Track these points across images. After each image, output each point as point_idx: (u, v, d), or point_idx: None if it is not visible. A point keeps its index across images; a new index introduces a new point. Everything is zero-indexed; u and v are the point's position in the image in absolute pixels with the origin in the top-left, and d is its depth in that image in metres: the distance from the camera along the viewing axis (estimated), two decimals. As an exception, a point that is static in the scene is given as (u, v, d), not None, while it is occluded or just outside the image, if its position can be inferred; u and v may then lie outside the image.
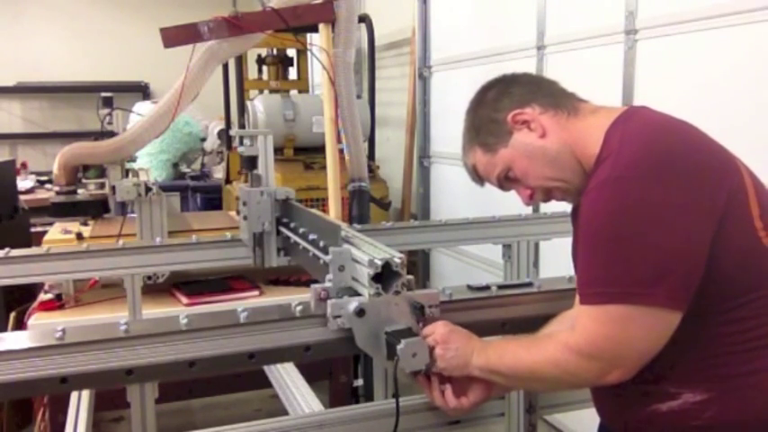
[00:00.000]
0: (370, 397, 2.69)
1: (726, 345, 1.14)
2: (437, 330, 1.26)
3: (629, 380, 1.18)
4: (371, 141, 4.43)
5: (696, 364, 1.15)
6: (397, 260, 1.22)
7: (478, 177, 1.40)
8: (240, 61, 4.59)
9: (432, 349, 1.25)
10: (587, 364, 1.12)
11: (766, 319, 1.14)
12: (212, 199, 5.08)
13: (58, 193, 2.55)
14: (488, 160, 1.34)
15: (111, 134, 2.94)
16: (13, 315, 2.77)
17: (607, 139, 1.20)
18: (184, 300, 2.58)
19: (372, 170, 4.04)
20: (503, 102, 1.32)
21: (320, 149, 3.35)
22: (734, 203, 1.13)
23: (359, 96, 3.89)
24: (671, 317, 1.10)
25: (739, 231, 1.13)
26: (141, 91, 7.98)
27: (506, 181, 1.35)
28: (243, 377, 2.59)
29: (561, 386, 1.29)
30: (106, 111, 3.15)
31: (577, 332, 1.13)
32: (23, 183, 5.45)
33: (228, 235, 1.99)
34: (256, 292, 2.70)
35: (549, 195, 1.34)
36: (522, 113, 1.30)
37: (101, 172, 2.58)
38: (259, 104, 4.18)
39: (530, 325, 1.37)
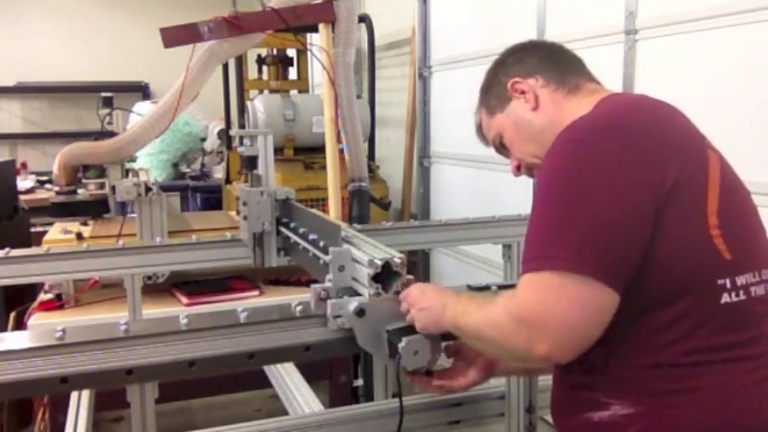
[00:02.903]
0: (370, 397, 2.68)
1: (656, 355, 1.07)
2: (411, 293, 1.24)
3: (569, 382, 1.16)
4: (371, 141, 4.43)
5: (626, 371, 1.09)
6: (397, 260, 1.22)
7: (483, 138, 1.42)
8: (240, 61, 4.59)
9: (407, 312, 1.24)
10: (518, 330, 1.04)
11: (702, 332, 1.06)
12: (212, 199, 5.08)
13: (58, 193, 2.55)
14: (487, 122, 1.38)
15: (111, 134, 2.93)
16: (13, 315, 2.77)
17: None
18: (184, 300, 2.58)
19: (372, 170, 4.04)
20: (514, 67, 1.34)
21: (320, 149, 3.35)
22: (686, 187, 1.06)
23: (359, 96, 3.88)
24: (602, 293, 1.01)
25: (686, 218, 1.06)
26: (141, 91, 7.97)
27: (501, 147, 1.38)
28: (243, 377, 2.59)
29: (501, 351, 1.19)
30: (106, 111, 3.14)
31: (514, 297, 1.06)
32: (23, 183, 5.45)
33: (228, 235, 1.99)
34: (256, 292, 2.69)
35: (530, 171, 1.34)
36: (522, 83, 1.30)
37: (101, 172, 2.58)
38: (259, 104, 4.19)
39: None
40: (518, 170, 1.37)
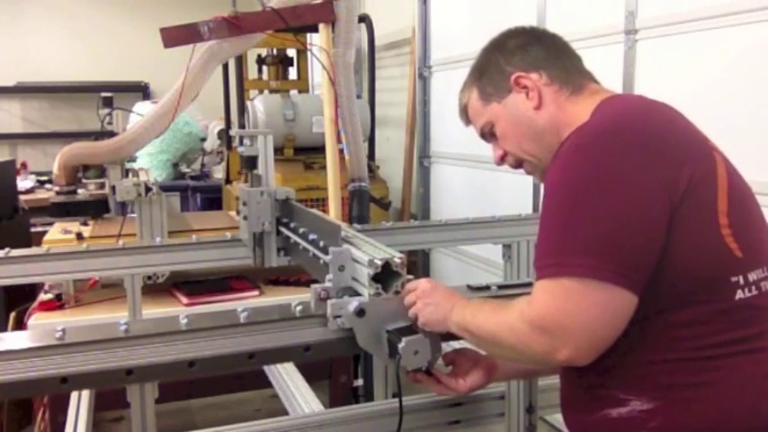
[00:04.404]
0: (370, 397, 2.69)
1: (673, 351, 1.08)
2: (419, 286, 1.24)
3: (584, 381, 1.16)
4: (371, 141, 4.43)
5: (643, 367, 1.10)
6: (397, 260, 1.22)
7: (466, 118, 1.39)
8: (240, 61, 4.58)
9: (412, 304, 1.24)
10: (538, 337, 1.06)
11: (718, 328, 1.08)
12: (212, 199, 5.07)
13: (58, 193, 2.55)
14: (479, 108, 1.34)
15: (111, 134, 2.94)
16: (13, 315, 2.77)
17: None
18: (184, 300, 2.58)
19: (372, 170, 4.04)
20: (516, 57, 1.30)
21: (320, 149, 3.35)
22: (698, 189, 1.08)
23: (359, 96, 3.88)
24: (622, 296, 1.04)
25: (699, 219, 1.08)
26: (141, 91, 7.97)
27: (489, 134, 1.35)
28: (243, 377, 2.59)
29: (518, 356, 1.21)
30: (106, 111, 3.15)
31: (532, 304, 1.07)
32: (23, 183, 5.44)
33: (228, 235, 1.99)
34: (256, 292, 2.69)
35: (519, 164, 1.34)
36: (526, 78, 1.27)
37: (101, 172, 2.59)
38: (259, 104, 4.18)
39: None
40: (502, 160, 1.35)
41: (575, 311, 1.04)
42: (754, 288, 1.10)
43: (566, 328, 1.04)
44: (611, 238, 1.04)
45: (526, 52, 1.30)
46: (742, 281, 1.10)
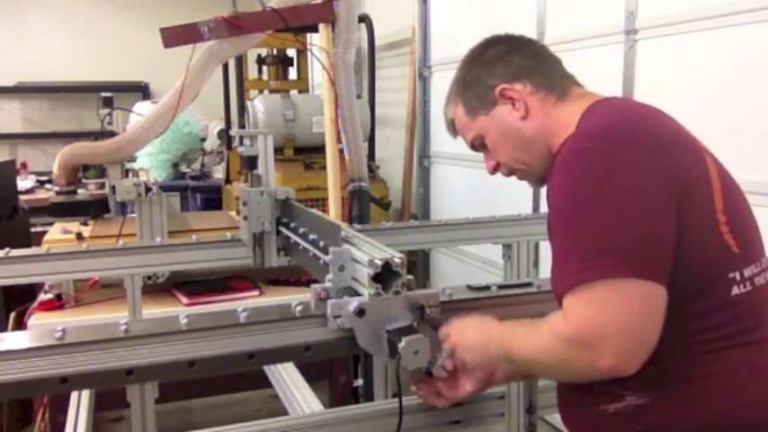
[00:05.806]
0: (370, 397, 2.68)
1: (670, 346, 1.08)
2: (451, 335, 1.25)
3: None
4: (371, 141, 4.43)
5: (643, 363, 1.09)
6: (397, 260, 1.21)
7: (454, 131, 1.41)
8: (240, 61, 4.58)
9: (453, 351, 1.25)
10: (578, 353, 1.03)
11: (714, 323, 1.09)
12: (212, 199, 5.08)
13: (58, 193, 2.55)
14: (466, 121, 1.36)
15: (111, 134, 2.94)
16: (13, 315, 2.77)
17: (578, 124, 1.20)
18: (184, 300, 2.58)
19: (372, 170, 4.04)
20: (498, 68, 1.30)
21: (320, 149, 3.35)
22: (696, 187, 1.09)
23: (359, 96, 3.88)
24: (656, 290, 1.03)
25: (700, 216, 1.10)
26: (141, 91, 7.98)
27: (479, 146, 1.37)
28: (243, 377, 2.59)
29: (562, 376, 1.19)
30: (106, 111, 3.15)
31: (568, 320, 1.04)
32: (23, 183, 5.44)
33: (228, 235, 1.99)
34: (256, 292, 2.69)
35: (512, 173, 1.35)
36: (511, 90, 1.28)
37: (101, 172, 2.58)
38: (259, 104, 4.19)
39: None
40: (495, 170, 1.36)
41: (614, 313, 1.01)
42: (748, 284, 1.12)
43: (606, 334, 1.01)
44: (634, 234, 1.04)
45: (507, 62, 1.30)
46: (738, 277, 1.11)
